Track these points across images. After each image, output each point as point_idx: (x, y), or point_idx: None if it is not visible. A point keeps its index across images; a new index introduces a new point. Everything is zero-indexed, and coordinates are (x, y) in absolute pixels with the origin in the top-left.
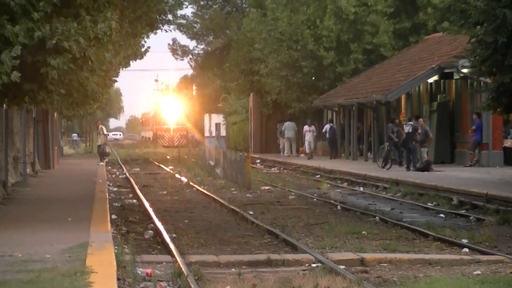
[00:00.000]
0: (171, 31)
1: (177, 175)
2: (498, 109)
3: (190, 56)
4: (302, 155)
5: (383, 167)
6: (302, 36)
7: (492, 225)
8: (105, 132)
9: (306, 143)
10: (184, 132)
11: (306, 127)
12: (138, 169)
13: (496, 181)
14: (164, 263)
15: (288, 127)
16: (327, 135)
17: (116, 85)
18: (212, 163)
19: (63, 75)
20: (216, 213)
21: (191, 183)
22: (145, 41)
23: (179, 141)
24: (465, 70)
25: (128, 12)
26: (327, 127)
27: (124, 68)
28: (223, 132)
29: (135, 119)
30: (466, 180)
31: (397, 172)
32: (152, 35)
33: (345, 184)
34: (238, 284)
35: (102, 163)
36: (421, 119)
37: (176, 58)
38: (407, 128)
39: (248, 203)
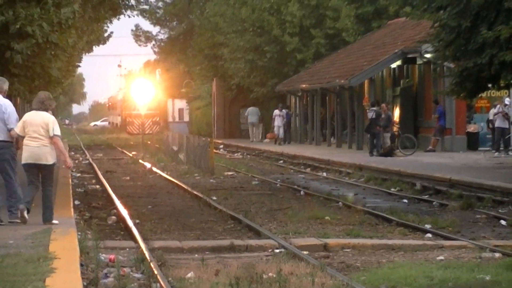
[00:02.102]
0: (134, 16)
1: (140, 161)
2: (462, 94)
3: (153, 42)
4: (267, 140)
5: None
6: (267, 23)
7: (456, 210)
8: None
9: (276, 128)
10: (156, 118)
11: (276, 111)
12: (101, 155)
13: (459, 166)
14: (127, 249)
15: (251, 112)
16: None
17: (78, 70)
18: (175, 148)
19: (26, 60)
20: (179, 198)
21: (154, 169)
22: (108, 26)
23: (150, 128)
24: (428, 55)
25: None
26: (283, 112)
27: (87, 53)
28: (186, 118)
29: (98, 105)
30: (429, 165)
31: (361, 157)
32: (115, 21)
33: (308, 170)
34: (202, 270)
35: None
36: (383, 104)
37: (140, 45)
38: (370, 114)
39: (211, 188)
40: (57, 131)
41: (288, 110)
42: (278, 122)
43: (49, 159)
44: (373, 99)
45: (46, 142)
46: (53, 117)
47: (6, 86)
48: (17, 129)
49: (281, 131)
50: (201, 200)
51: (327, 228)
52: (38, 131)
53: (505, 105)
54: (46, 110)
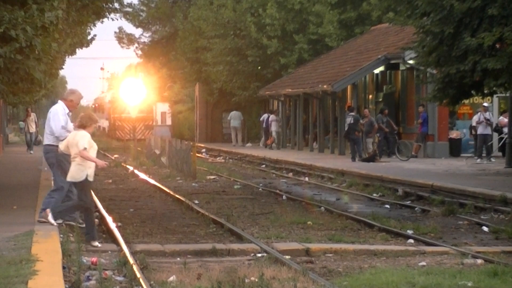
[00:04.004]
0: (117, 19)
1: (122, 164)
2: (445, 101)
3: (136, 44)
4: (261, 144)
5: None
6: (246, 25)
7: (437, 216)
8: (36, 120)
9: (274, 133)
10: (149, 122)
11: (272, 116)
12: None
13: (441, 172)
14: (109, 252)
15: (234, 117)
16: (263, 125)
17: (61, 72)
18: (157, 152)
19: (9, 63)
20: (161, 202)
21: (137, 172)
22: (91, 29)
23: (143, 133)
24: (411, 61)
25: (75, 0)
26: (264, 116)
27: (70, 56)
28: (168, 121)
29: (81, 108)
30: (411, 171)
31: (343, 163)
32: (98, 24)
33: (290, 174)
34: (184, 273)
35: (32, 152)
36: (366, 110)
37: (122, 47)
38: (349, 119)
39: (193, 192)
40: (82, 145)
41: (269, 114)
42: (275, 127)
43: (77, 177)
44: (355, 105)
45: (78, 160)
46: (83, 132)
47: (71, 96)
48: (61, 147)
49: (275, 135)
50: (183, 204)
51: (309, 233)
52: (74, 151)
53: (485, 108)
54: (84, 128)
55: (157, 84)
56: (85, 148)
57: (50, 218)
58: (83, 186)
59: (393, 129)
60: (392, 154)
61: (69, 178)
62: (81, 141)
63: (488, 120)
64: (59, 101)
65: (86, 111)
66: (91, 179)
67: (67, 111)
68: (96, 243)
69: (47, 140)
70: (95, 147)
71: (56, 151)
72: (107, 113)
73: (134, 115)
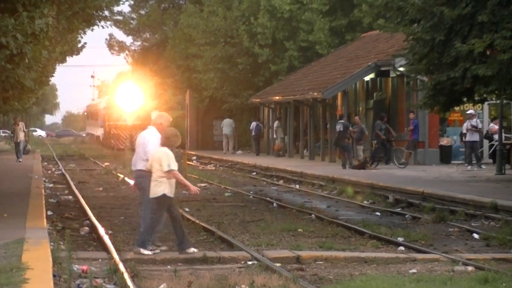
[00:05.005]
0: (107, 27)
1: (113, 171)
2: (435, 108)
3: (127, 52)
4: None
5: (370, 165)
6: (237, 33)
7: (428, 223)
8: (24, 129)
9: (280, 140)
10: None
11: (277, 123)
12: (74, 165)
13: (432, 179)
14: (100, 260)
15: (226, 124)
16: (253, 132)
17: (52, 80)
18: None
19: (0, 71)
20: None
21: (127, 180)
22: (81, 37)
23: None
24: (401, 68)
25: (65, 8)
26: (253, 124)
27: (60, 64)
28: None
29: (71, 115)
30: (402, 178)
31: (333, 170)
32: (89, 32)
33: (281, 182)
34: (174, 281)
35: (21, 160)
36: (357, 117)
37: (113, 54)
38: (338, 127)
39: (184, 200)
40: (168, 166)
41: (258, 122)
42: (281, 134)
43: (155, 192)
44: (345, 112)
45: (155, 176)
46: (166, 150)
47: (160, 120)
48: (148, 166)
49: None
50: None
51: (299, 240)
52: (154, 167)
53: (470, 115)
54: (169, 146)
55: (147, 92)
56: (174, 170)
57: (143, 251)
58: (159, 201)
59: (392, 135)
60: (390, 161)
61: (151, 195)
62: (166, 161)
63: (475, 127)
64: (150, 127)
65: (171, 128)
66: (170, 195)
67: (159, 135)
68: (192, 249)
69: (141, 165)
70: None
71: (150, 177)
72: (102, 121)
73: (130, 122)
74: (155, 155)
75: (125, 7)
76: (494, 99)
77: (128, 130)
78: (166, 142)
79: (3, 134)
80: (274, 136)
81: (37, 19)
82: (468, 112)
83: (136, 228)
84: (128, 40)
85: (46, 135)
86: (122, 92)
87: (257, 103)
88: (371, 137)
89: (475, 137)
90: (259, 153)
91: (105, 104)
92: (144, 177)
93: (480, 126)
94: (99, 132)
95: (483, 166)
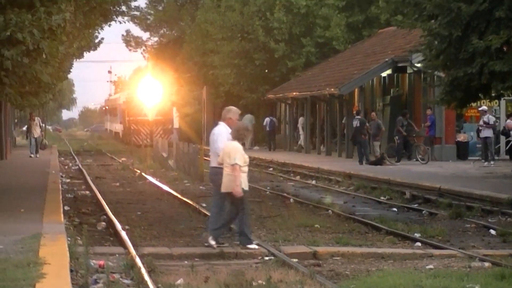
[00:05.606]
0: (125, 22)
1: (130, 167)
2: (452, 104)
3: (144, 47)
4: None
5: (396, 161)
6: (253, 28)
7: (445, 219)
8: (40, 124)
9: (303, 136)
10: (168, 125)
11: (301, 119)
12: (90, 161)
13: (448, 175)
14: (117, 255)
15: (246, 119)
16: (267, 128)
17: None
18: (165, 154)
19: (17, 67)
20: (169, 205)
21: (144, 175)
22: (98, 32)
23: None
24: (418, 64)
25: (82, 3)
26: (267, 120)
27: (77, 59)
28: (176, 124)
29: (88, 110)
30: (419, 174)
31: (350, 166)
32: (106, 27)
33: (298, 177)
34: (191, 277)
35: (38, 155)
36: (373, 113)
37: (130, 49)
38: (355, 123)
39: (201, 195)
40: (234, 160)
41: (272, 118)
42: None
43: (230, 187)
44: (362, 108)
45: (228, 171)
46: (236, 144)
47: (229, 114)
48: (219, 160)
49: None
50: (191, 207)
51: (316, 236)
52: (225, 161)
53: (482, 111)
54: (239, 140)
55: (167, 87)
56: (238, 165)
57: (211, 239)
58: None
59: (415, 131)
60: (412, 157)
61: (223, 189)
62: (233, 155)
63: (486, 123)
64: (220, 122)
65: (242, 122)
66: (245, 188)
67: (229, 130)
68: (253, 245)
69: (214, 162)
70: (247, 160)
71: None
72: (121, 116)
73: (151, 117)
74: (225, 149)
75: (141, 2)
76: (510, 95)
77: (149, 125)
78: (237, 135)
79: (21, 129)
80: (300, 132)
81: (54, 15)
82: (480, 108)
83: (153, 224)
84: (145, 36)
85: (54, 130)
86: (143, 86)
87: (273, 98)
88: (390, 133)
89: (487, 133)
90: (275, 148)
91: (125, 98)
92: (217, 174)
93: (492, 122)
94: (118, 128)
95: (492, 162)
